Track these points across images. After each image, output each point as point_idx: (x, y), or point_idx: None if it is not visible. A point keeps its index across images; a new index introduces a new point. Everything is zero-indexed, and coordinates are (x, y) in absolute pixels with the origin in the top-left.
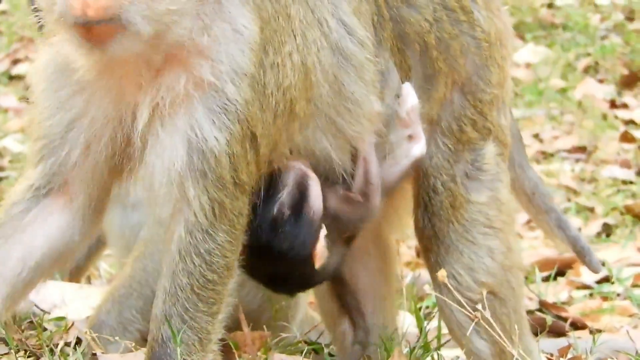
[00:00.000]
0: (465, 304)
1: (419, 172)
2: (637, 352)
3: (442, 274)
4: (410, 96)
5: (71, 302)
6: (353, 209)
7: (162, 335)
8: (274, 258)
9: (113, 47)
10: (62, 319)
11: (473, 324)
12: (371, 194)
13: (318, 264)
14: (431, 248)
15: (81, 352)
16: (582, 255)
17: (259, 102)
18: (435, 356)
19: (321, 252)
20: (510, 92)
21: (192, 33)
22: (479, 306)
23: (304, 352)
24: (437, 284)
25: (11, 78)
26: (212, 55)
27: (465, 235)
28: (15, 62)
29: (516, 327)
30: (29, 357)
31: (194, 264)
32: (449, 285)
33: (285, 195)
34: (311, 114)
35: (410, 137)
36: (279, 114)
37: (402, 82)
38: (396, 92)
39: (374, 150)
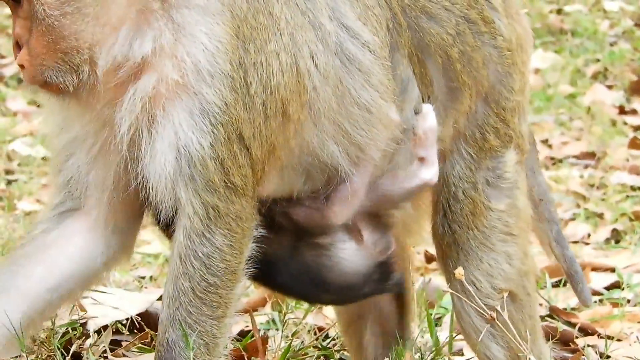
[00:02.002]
0: (483, 307)
1: (439, 180)
2: None
3: (459, 271)
4: (429, 117)
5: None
6: (308, 209)
7: (167, 339)
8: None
9: (65, 94)
10: (74, 323)
11: (487, 327)
12: (336, 199)
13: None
14: (450, 254)
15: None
16: (575, 282)
17: (243, 103)
18: None
19: None
20: (529, 96)
21: (139, 45)
22: (496, 313)
23: (315, 357)
24: (454, 289)
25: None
26: (177, 55)
27: (485, 242)
28: None
29: (529, 332)
30: None
31: (193, 267)
32: (467, 291)
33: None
34: (310, 118)
35: (422, 159)
36: (271, 115)
37: (423, 96)
38: (415, 105)
39: (368, 175)
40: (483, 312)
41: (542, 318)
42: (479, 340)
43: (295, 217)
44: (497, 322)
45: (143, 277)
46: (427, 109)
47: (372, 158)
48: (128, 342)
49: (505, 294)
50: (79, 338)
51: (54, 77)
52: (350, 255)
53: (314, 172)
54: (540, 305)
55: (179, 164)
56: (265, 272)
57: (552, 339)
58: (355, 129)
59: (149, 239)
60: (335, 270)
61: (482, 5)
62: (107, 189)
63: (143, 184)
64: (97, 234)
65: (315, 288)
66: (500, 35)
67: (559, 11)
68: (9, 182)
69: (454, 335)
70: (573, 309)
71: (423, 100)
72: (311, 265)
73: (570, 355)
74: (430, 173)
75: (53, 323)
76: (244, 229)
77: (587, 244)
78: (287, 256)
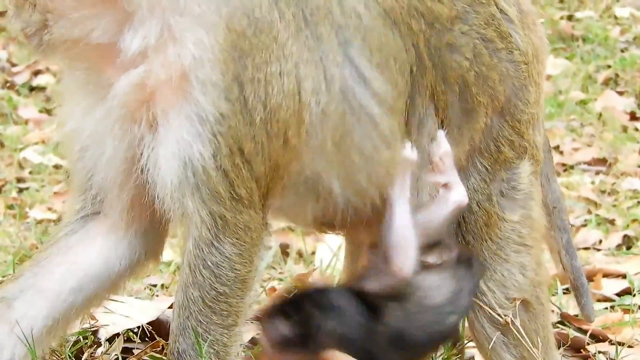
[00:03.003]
0: (497, 317)
1: None
2: None
3: None
4: (443, 143)
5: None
6: (376, 277)
7: (177, 348)
8: None
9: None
10: (85, 331)
11: (500, 336)
12: (393, 255)
13: None
14: None
15: None
16: (579, 294)
17: (241, 116)
18: None
19: None
20: (544, 105)
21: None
22: (510, 319)
23: None
24: None
25: (32, 89)
26: (168, 58)
27: (498, 252)
28: (36, 73)
29: (542, 342)
30: None
31: (202, 276)
32: (481, 301)
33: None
34: (307, 150)
35: (445, 185)
36: (273, 135)
37: (438, 120)
38: (432, 135)
39: (403, 202)
40: (497, 319)
41: (554, 325)
42: (493, 350)
43: (372, 290)
44: (511, 329)
45: (154, 285)
46: (440, 134)
47: (381, 196)
48: (139, 351)
49: (518, 302)
50: (90, 346)
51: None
52: (433, 285)
53: (322, 195)
54: (552, 312)
55: (184, 173)
56: None
57: (563, 346)
58: (354, 172)
59: None
60: (430, 309)
61: (499, 20)
62: (123, 190)
63: (151, 189)
64: (119, 236)
65: (422, 345)
66: (517, 49)
67: (569, 17)
68: (20, 190)
69: (465, 342)
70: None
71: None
72: (406, 323)
73: None
74: (459, 195)
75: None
76: (253, 238)
77: (598, 250)
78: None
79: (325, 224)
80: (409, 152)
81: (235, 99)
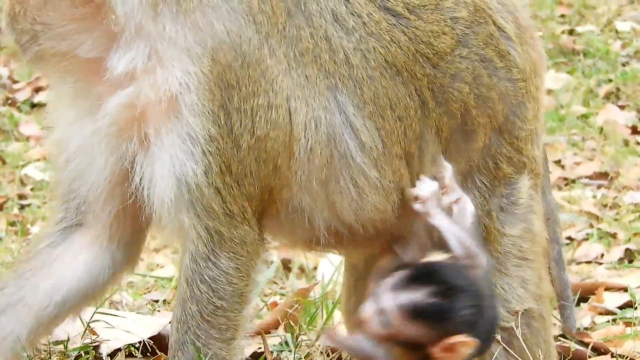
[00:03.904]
0: (499, 333)
1: None
2: None
3: None
4: (446, 165)
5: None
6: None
7: None
8: None
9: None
10: (87, 347)
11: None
12: (476, 253)
13: None
14: None
15: None
16: (564, 306)
17: (228, 140)
18: None
19: None
20: (542, 119)
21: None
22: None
23: None
24: None
25: (33, 106)
26: (157, 80)
27: (499, 267)
28: (37, 90)
29: (544, 356)
30: None
31: (200, 291)
32: None
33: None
34: (296, 182)
35: (458, 201)
36: (262, 161)
37: (441, 147)
38: (435, 160)
39: (442, 215)
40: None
41: (555, 338)
42: None
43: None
44: (513, 343)
45: (156, 301)
46: (440, 158)
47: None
48: None
49: (519, 316)
50: None
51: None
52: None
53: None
54: (554, 325)
55: (179, 190)
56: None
57: (564, 359)
58: (340, 211)
59: (163, 262)
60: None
61: (497, 39)
62: (109, 203)
63: (145, 205)
64: (103, 248)
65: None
66: (516, 66)
67: (571, 32)
68: (22, 207)
69: None
70: (586, 328)
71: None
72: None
73: None
74: (471, 205)
75: (66, 347)
76: (249, 252)
77: (600, 263)
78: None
79: (318, 246)
80: (430, 184)
81: (223, 124)
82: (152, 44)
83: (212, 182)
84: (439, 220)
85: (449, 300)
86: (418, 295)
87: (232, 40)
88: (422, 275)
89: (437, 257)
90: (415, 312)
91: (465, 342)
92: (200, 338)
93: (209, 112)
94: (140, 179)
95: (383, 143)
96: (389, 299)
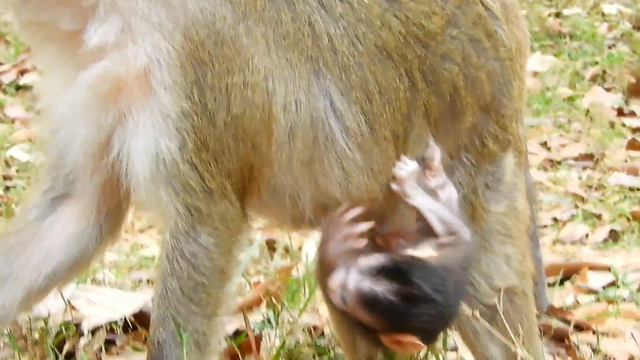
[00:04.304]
0: (482, 310)
1: None
2: None
3: None
4: (435, 148)
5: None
6: (453, 251)
7: (158, 338)
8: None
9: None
10: (68, 323)
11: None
12: (458, 229)
13: None
14: None
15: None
16: (535, 284)
17: (203, 117)
18: (441, 357)
19: None
20: (526, 97)
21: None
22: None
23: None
24: None
25: (18, 88)
26: (128, 55)
27: (484, 244)
28: (23, 72)
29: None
30: None
31: (180, 267)
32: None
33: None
34: (276, 163)
35: (443, 185)
36: (240, 139)
37: (429, 129)
38: (425, 143)
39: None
40: (482, 309)
41: (538, 316)
42: (478, 341)
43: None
44: (496, 319)
45: (140, 281)
46: (430, 140)
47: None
48: (122, 342)
49: (502, 293)
50: (72, 338)
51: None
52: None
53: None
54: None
55: (155, 165)
56: None
57: (546, 336)
58: (325, 191)
59: (147, 242)
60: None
61: (485, 18)
62: (95, 174)
63: (123, 180)
64: (90, 220)
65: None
66: (503, 45)
67: (557, 14)
68: (7, 188)
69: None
70: (569, 307)
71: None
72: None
73: (564, 350)
74: (454, 191)
75: (46, 323)
76: (230, 229)
77: (585, 244)
78: None
79: (304, 224)
80: (409, 165)
81: (197, 101)
82: (125, 19)
83: (188, 159)
84: (418, 200)
85: (409, 304)
86: (381, 289)
87: (206, 18)
88: (393, 269)
89: (420, 252)
90: (372, 303)
91: (414, 343)
92: (181, 314)
93: (180, 88)
94: (119, 154)
95: (370, 127)
96: (353, 280)
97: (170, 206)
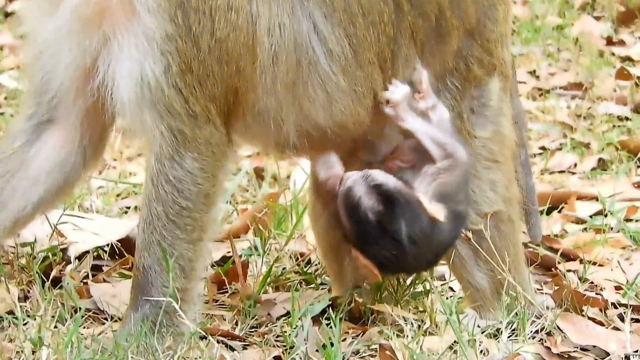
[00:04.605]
0: (468, 236)
1: None
2: (627, 281)
3: None
4: (422, 71)
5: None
6: (452, 174)
7: (143, 264)
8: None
9: None
10: (54, 248)
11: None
12: (453, 150)
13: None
14: None
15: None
16: (529, 213)
17: (187, 39)
18: (427, 285)
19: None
20: (511, 22)
21: None
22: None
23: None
24: None
25: (7, 15)
26: None
27: (469, 169)
28: None
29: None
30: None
31: (165, 191)
32: None
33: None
34: (261, 85)
35: (434, 107)
36: (224, 62)
37: (416, 51)
38: (412, 65)
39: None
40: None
41: (525, 245)
42: (464, 267)
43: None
44: (481, 249)
45: (128, 208)
46: (418, 63)
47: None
48: (109, 268)
49: (489, 218)
50: (59, 264)
51: None
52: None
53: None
54: (524, 233)
55: (140, 89)
56: None
57: (533, 265)
58: (309, 114)
59: (135, 170)
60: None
61: None
62: (79, 99)
63: (108, 104)
64: (75, 146)
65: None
66: None
67: None
68: None
69: None
70: (556, 235)
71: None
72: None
73: (551, 279)
74: (445, 111)
75: (32, 249)
76: (215, 153)
77: (573, 173)
78: None
79: (288, 149)
80: (401, 88)
81: (181, 24)
82: None
83: (172, 82)
84: (412, 124)
85: (379, 233)
86: (367, 202)
87: None
88: (391, 196)
89: (433, 207)
90: (353, 209)
91: (370, 269)
92: (167, 239)
93: (164, 11)
94: (103, 78)
95: (353, 50)
96: (352, 179)
97: (155, 130)
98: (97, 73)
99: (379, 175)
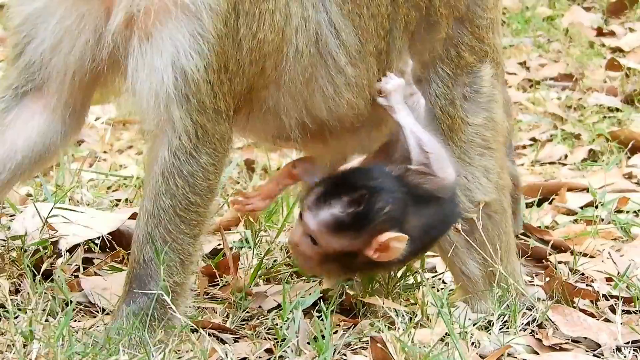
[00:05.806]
0: (461, 225)
1: None
2: (618, 273)
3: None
4: (408, 59)
5: (60, 226)
6: (424, 180)
7: (143, 256)
8: None
9: None
10: (45, 242)
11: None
12: (431, 162)
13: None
14: None
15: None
16: (513, 199)
17: (232, 41)
18: (418, 278)
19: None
20: (501, 8)
21: None
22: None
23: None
24: None
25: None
26: None
27: (462, 156)
28: None
29: (503, 248)
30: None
31: (177, 185)
32: None
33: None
34: (277, 81)
35: (412, 95)
36: (254, 62)
37: (408, 42)
38: (402, 54)
39: (407, 113)
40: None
41: (516, 236)
42: (456, 255)
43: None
44: (474, 234)
45: (119, 200)
46: (407, 54)
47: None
48: (100, 261)
49: (482, 206)
50: (50, 257)
51: None
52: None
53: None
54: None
55: (178, 82)
56: None
57: (524, 256)
58: (315, 109)
59: (125, 162)
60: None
61: None
62: (75, 77)
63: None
64: (56, 116)
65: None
66: None
67: None
68: None
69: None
70: (547, 227)
71: None
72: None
73: (542, 271)
74: (422, 98)
75: (23, 242)
76: (225, 149)
77: (564, 164)
78: None
79: (282, 140)
80: (395, 79)
81: (231, 26)
82: None
83: (210, 79)
84: (403, 117)
85: (366, 205)
86: (335, 209)
87: None
88: (336, 187)
89: (349, 164)
90: (336, 225)
91: (395, 237)
92: (171, 233)
93: (220, 13)
94: (135, 69)
95: (359, 41)
96: (310, 219)
97: (180, 123)
98: (101, 48)
99: (310, 196)
